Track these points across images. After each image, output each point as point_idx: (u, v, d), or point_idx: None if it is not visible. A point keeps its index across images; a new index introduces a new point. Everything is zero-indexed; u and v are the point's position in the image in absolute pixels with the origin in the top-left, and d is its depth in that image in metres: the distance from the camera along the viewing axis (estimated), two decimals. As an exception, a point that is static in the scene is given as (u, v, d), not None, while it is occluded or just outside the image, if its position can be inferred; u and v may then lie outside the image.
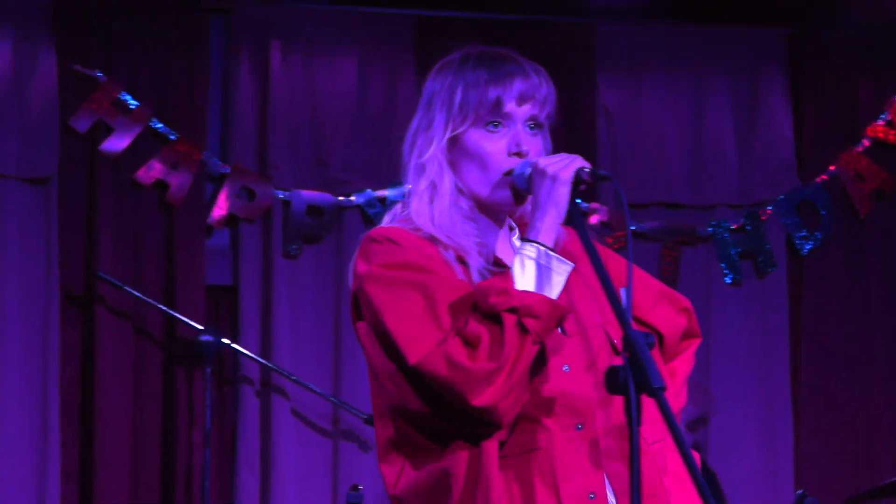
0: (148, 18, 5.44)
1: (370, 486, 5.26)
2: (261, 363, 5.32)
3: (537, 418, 2.51)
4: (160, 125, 5.41)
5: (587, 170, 2.56)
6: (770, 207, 5.85)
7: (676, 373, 2.81)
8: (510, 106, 2.62)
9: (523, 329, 2.44)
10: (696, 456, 4.27)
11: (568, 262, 2.55)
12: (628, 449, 2.52)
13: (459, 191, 2.64)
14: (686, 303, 2.86)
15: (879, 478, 5.12)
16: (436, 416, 2.49)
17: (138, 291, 5.24)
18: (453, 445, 2.50)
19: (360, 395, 5.40)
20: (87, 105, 5.35)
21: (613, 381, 2.40)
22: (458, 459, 2.49)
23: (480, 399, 2.42)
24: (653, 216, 5.79)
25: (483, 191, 2.63)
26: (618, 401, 2.54)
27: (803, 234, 5.85)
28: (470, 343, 2.45)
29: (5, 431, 5.21)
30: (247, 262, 5.49)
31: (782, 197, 5.85)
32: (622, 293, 2.55)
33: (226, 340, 5.22)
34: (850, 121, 5.94)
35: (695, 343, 2.84)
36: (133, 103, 5.39)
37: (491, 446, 2.48)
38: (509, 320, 2.44)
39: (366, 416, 5.23)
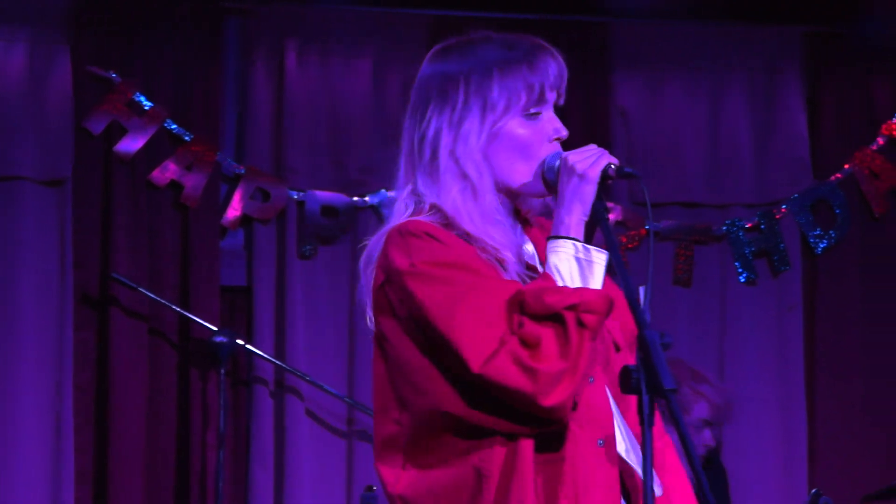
0: (163, 19, 5.44)
1: (385, 487, 5.25)
2: (275, 364, 5.32)
3: (566, 427, 2.46)
4: (175, 126, 5.42)
5: (614, 166, 2.53)
6: (785, 206, 5.83)
7: None
8: (549, 93, 2.56)
9: (582, 325, 2.40)
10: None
11: (602, 250, 2.51)
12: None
13: (496, 186, 2.56)
14: None
15: (894, 477, 5.10)
16: (484, 421, 2.43)
17: (153, 293, 5.24)
18: (486, 444, 2.44)
19: (374, 395, 5.39)
20: (102, 106, 5.36)
21: (626, 382, 2.39)
22: (493, 458, 2.44)
23: (550, 400, 2.38)
24: (668, 215, 5.78)
25: (520, 180, 2.56)
26: (631, 409, 2.53)
27: (818, 232, 5.84)
28: (529, 345, 2.39)
29: (20, 433, 5.22)
30: (261, 263, 5.49)
31: (797, 196, 5.84)
32: (640, 291, 2.53)
33: (240, 341, 5.23)
34: (865, 119, 5.92)
35: None
36: (147, 104, 5.39)
37: (527, 446, 2.44)
38: (570, 318, 2.39)
39: (380, 417, 5.23)
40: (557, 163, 2.54)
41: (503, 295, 2.44)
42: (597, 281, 2.49)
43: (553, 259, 2.49)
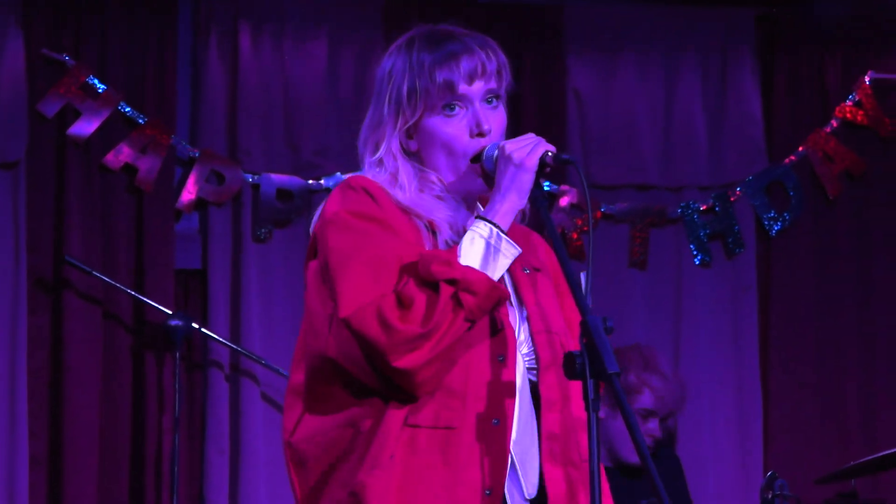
0: (116, 2, 5.41)
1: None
2: (230, 347, 5.32)
3: (458, 398, 2.51)
4: (128, 109, 5.39)
5: (551, 154, 2.56)
6: (739, 189, 5.86)
7: None
8: (462, 87, 2.60)
9: (458, 302, 2.45)
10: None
11: (517, 247, 2.56)
12: (572, 457, 2.55)
13: (425, 176, 2.63)
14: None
15: (849, 459, 5.13)
16: (354, 371, 2.48)
17: (107, 276, 5.22)
18: (365, 402, 2.50)
19: (330, 378, 5.40)
20: (55, 89, 5.33)
21: (570, 367, 2.42)
22: (367, 416, 2.50)
23: (401, 362, 2.44)
24: (623, 198, 5.80)
25: (452, 178, 2.63)
26: (575, 400, 2.56)
27: (772, 215, 5.87)
28: (403, 304, 2.45)
29: (-28, 418, 5.20)
30: (216, 247, 5.47)
31: (751, 178, 5.87)
32: (581, 277, 2.56)
33: (195, 325, 5.22)
34: (819, 102, 5.95)
35: None
36: (101, 87, 5.36)
37: (397, 412, 2.48)
38: (446, 291, 2.45)
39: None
40: (496, 153, 2.57)
41: (406, 255, 2.51)
42: (498, 271, 2.53)
43: (466, 235, 2.54)
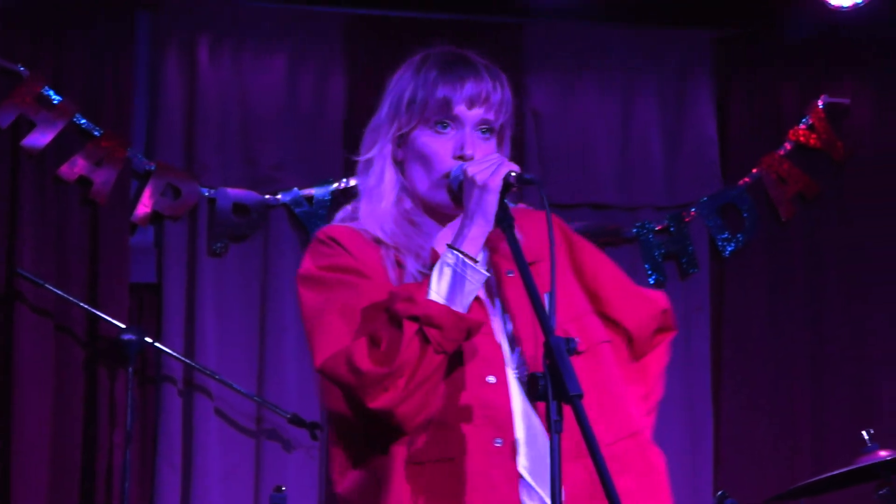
0: (73, 12, 5.38)
1: (293, 487, 5.24)
2: (184, 362, 5.29)
3: (453, 428, 2.51)
4: (84, 121, 5.36)
5: (514, 174, 2.56)
6: (694, 209, 5.90)
7: (648, 368, 2.82)
8: (460, 108, 2.61)
9: (424, 338, 2.45)
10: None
11: (484, 272, 2.55)
12: (554, 464, 2.55)
13: (404, 190, 2.65)
14: (661, 300, 2.84)
15: (799, 478, 5.16)
16: (345, 417, 2.50)
17: (60, 289, 5.18)
18: (376, 445, 2.53)
19: (284, 394, 5.38)
20: (10, 100, 5.29)
21: (533, 389, 2.42)
22: (379, 460, 2.52)
23: (376, 402, 2.44)
24: (579, 217, 5.82)
25: (424, 191, 2.64)
26: (566, 414, 2.56)
27: (725, 236, 5.91)
28: (374, 344, 2.46)
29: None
30: (171, 261, 5.45)
31: (706, 199, 5.91)
32: (545, 298, 2.56)
33: (149, 339, 5.18)
34: (773, 124, 6.00)
35: (668, 336, 2.83)
36: (56, 98, 5.33)
37: (398, 451, 2.50)
38: (409, 328, 2.45)
39: (289, 416, 5.21)
40: (461, 175, 2.58)
41: (380, 297, 2.51)
42: (466, 299, 2.51)
43: (435, 267, 2.54)
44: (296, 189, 5.51)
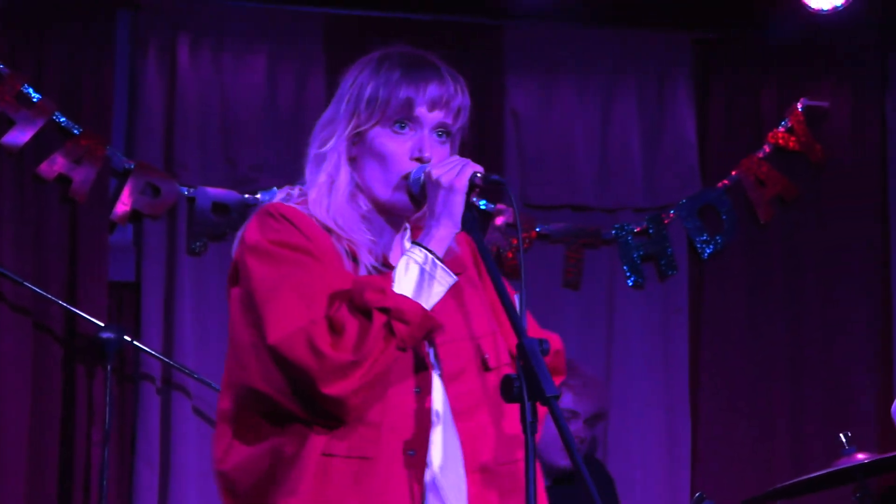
0: (53, 10, 5.37)
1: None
2: (163, 361, 5.28)
3: (375, 429, 2.51)
4: (64, 119, 5.35)
5: (480, 174, 2.57)
6: (673, 211, 5.91)
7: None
8: (420, 110, 2.61)
9: (390, 331, 2.45)
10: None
11: (452, 275, 2.56)
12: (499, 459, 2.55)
13: (358, 188, 2.64)
14: (555, 341, 2.83)
15: (777, 480, 5.17)
16: (279, 399, 2.47)
17: (39, 287, 5.17)
18: (288, 429, 2.50)
19: (262, 393, 5.38)
20: (-11, 98, 5.29)
21: (508, 391, 2.43)
22: (289, 444, 2.49)
23: (332, 389, 2.43)
24: (558, 218, 5.82)
25: (381, 191, 2.63)
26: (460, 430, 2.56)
27: (704, 238, 5.92)
28: (335, 331, 2.45)
29: None
30: (150, 259, 5.44)
31: (685, 201, 5.92)
32: (516, 299, 2.57)
33: (127, 337, 5.17)
34: (752, 127, 6.02)
35: (556, 380, 2.79)
36: (36, 96, 5.32)
37: (316, 440, 2.48)
38: (378, 319, 2.45)
39: (268, 415, 5.21)
40: (422, 177, 2.58)
41: (334, 284, 2.50)
42: (432, 298, 2.52)
43: (401, 262, 2.54)
44: (275, 189, 5.50)
